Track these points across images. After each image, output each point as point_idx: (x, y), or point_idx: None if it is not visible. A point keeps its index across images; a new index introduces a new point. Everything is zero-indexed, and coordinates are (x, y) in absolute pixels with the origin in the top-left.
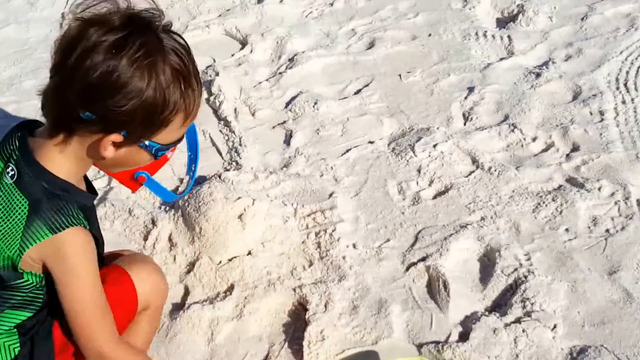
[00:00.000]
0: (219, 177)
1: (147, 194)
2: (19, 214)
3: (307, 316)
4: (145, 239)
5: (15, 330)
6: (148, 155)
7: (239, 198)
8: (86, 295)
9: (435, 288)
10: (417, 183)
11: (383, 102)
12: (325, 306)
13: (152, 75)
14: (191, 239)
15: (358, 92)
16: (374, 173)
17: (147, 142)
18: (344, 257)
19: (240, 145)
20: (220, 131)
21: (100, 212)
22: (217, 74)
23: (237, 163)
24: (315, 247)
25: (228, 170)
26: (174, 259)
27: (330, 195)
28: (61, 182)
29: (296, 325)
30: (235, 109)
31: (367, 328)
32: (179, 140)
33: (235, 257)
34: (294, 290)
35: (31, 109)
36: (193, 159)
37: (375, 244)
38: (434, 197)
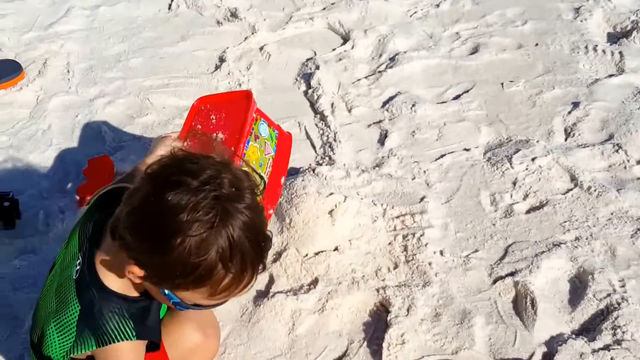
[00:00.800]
0: (313, 170)
1: None
2: (72, 316)
3: (388, 318)
4: None
5: None
6: (168, 302)
7: (332, 194)
8: None
9: (522, 305)
10: (511, 196)
11: (482, 110)
12: (408, 310)
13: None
14: (280, 229)
15: (457, 97)
16: (468, 181)
17: (166, 291)
18: (430, 263)
19: (335, 140)
20: (316, 125)
21: None
22: (317, 68)
23: (330, 158)
24: (402, 249)
25: (320, 164)
26: None
27: (422, 199)
28: (109, 293)
29: (376, 325)
30: (332, 104)
31: (448, 337)
32: (204, 307)
33: (322, 252)
34: (377, 290)
35: (136, 86)
36: None
37: (463, 253)
38: (528, 212)
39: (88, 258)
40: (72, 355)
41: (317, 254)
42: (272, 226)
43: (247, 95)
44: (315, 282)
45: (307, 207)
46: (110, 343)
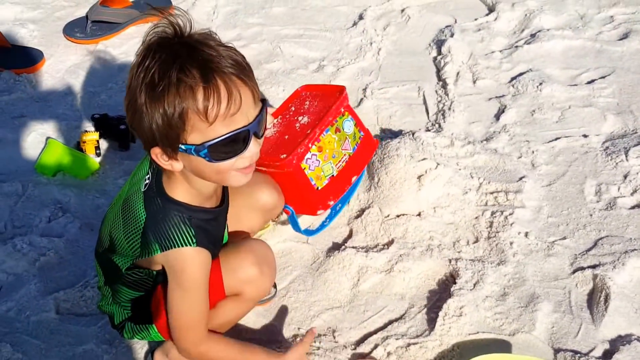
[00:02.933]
0: (412, 134)
1: None
2: (138, 224)
3: (452, 289)
4: None
5: (129, 303)
6: (198, 159)
7: (424, 159)
8: (184, 308)
9: (596, 298)
10: (619, 189)
11: (614, 98)
12: (475, 285)
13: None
14: (368, 187)
15: (591, 82)
16: (576, 168)
17: (183, 147)
18: (511, 243)
19: (450, 109)
20: (436, 91)
21: None
22: (451, 35)
23: (439, 126)
24: (487, 225)
25: (429, 130)
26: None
27: (521, 178)
28: (174, 202)
29: (441, 295)
30: (457, 73)
31: (509, 318)
32: (224, 135)
33: (403, 215)
34: (450, 261)
35: (272, 34)
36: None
37: (549, 239)
38: (631, 208)
39: (157, 173)
40: (137, 260)
41: (398, 216)
42: (362, 183)
43: (340, 90)
44: (390, 243)
45: (396, 169)
46: (172, 248)
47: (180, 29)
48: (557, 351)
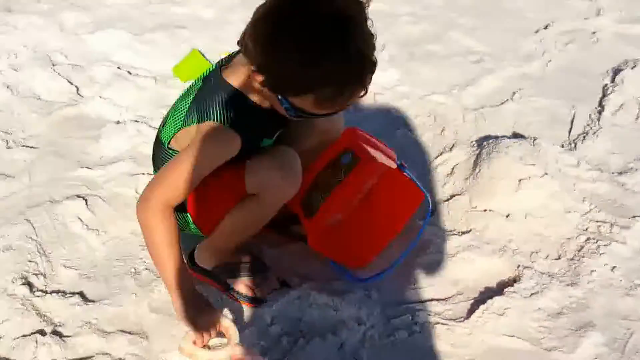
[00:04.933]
0: (534, 140)
1: None
2: (188, 100)
3: (506, 288)
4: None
5: None
6: (281, 106)
7: (532, 164)
8: (177, 169)
9: None
10: None
11: None
12: (532, 294)
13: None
14: (467, 175)
15: None
16: None
17: (279, 96)
18: (592, 271)
19: (594, 134)
20: (589, 115)
21: None
22: (632, 67)
23: (574, 145)
24: (577, 248)
25: (558, 146)
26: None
27: (635, 217)
28: (226, 85)
29: (495, 295)
30: (621, 105)
31: (552, 334)
32: (310, 115)
33: (490, 211)
34: (519, 266)
35: (446, 18)
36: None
37: (637, 281)
38: None
39: (220, 66)
40: (178, 132)
41: (485, 210)
42: (462, 166)
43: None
44: (466, 232)
45: (499, 165)
46: (206, 120)
47: None
48: None
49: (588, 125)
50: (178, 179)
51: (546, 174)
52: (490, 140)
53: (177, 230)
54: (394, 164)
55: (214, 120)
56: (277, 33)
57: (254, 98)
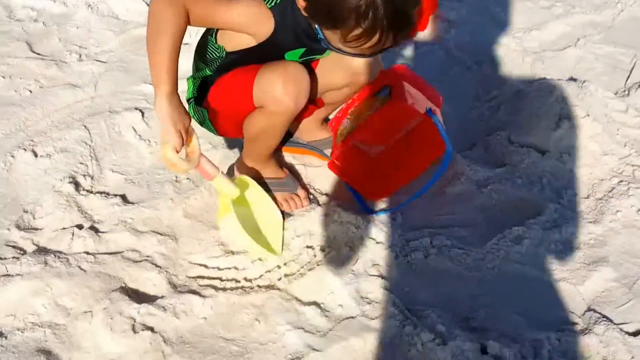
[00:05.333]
0: (582, 83)
1: None
2: None
3: (526, 220)
4: None
5: (199, 80)
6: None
7: (575, 106)
8: None
9: None
10: None
11: None
12: (552, 227)
13: None
14: (508, 111)
15: None
16: None
17: (316, 25)
18: (617, 211)
19: None
20: None
21: None
22: None
23: (627, 93)
24: (607, 189)
25: (611, 92)
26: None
27: None
28: None
29: (517, 226)
30: None
31: (565, 266)
32: (340, 51)
33: (528, 147)
34: (545, 200)
35: None
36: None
37: None
38: None
39: None
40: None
41: (522, 146)
42: (508, 108)
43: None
44: (500, 165)
45: (540, 102)
46: None
47: None
48: (589, 310)
49: None
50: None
51: (588, 115)
52: (541, 81)
53: (181, 31)
54: (423, 109)
55: None
56: None
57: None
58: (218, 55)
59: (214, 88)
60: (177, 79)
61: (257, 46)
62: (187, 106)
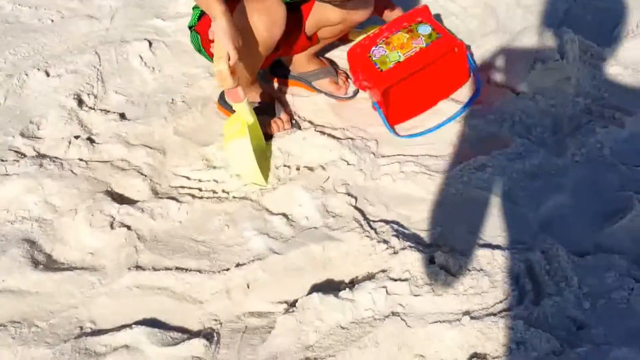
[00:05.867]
0: (558, 28)
1: None
2: None
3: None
4: None
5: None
6: None
7: (549, 49)
8: None
9: None
10: None
11: None
12: (516, 157)
13: None
14: (496, 54)
15: None
16: None
17: None
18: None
19: None
20: None
21: None
22: None
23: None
24: (573, 126)
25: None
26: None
27: None
28: None
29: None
30: None
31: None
32: None
33: (504, 87)
34: (513, 134)
35: None
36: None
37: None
38: None
39: None
40: None
41: (499, 86)
42: (493, 53)
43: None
44: (477, 103)
45: (517, 47)
46: None
47: None
48: (540, 232)
49: (633, 31)
50: None
51: (562, 59)
52: (526, 29)
53: None
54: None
55: None
56: None
57: None
58: None
59: (205, 16)
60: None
61: None
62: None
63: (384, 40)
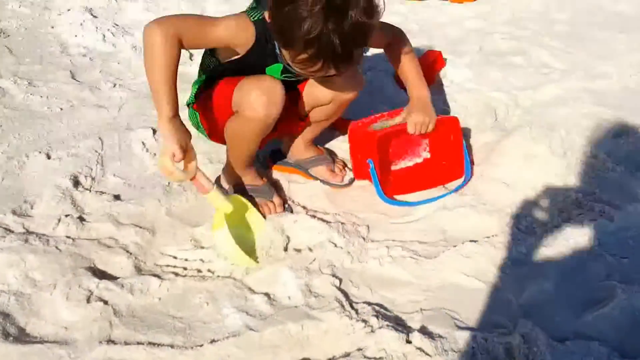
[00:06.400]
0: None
1: None
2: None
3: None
4: None
5: (197, 86)
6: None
7: (542, 144)
8: (194, 16)
9: None
10: None
11: None
12: None
13: (303, 13)
14: (490, 150)
15: None
16: None
17: (275, 42)
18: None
19: None
20: None
21: None
22: None
23: None
24: None
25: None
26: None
27: None
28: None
29: None
30: None
31: None
32: (291, 68)
33: (495, 180)
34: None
35: None
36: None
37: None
38: None
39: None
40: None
41: (491, 179)
42: (488, 148)
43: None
44: (469, 194)
45: (511, 141)
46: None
47: None
48: (522, 317)
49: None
50: (195, 20)
51: (554, 154)
52: (523, 127)
53: (177, 61)
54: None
55: (245, 13)
56: None
57: None
58: (212, 64)
59: (203, 93)
60: (177, 102)
61: (242, 57)
62: (187, 111)
63: (385, 118)
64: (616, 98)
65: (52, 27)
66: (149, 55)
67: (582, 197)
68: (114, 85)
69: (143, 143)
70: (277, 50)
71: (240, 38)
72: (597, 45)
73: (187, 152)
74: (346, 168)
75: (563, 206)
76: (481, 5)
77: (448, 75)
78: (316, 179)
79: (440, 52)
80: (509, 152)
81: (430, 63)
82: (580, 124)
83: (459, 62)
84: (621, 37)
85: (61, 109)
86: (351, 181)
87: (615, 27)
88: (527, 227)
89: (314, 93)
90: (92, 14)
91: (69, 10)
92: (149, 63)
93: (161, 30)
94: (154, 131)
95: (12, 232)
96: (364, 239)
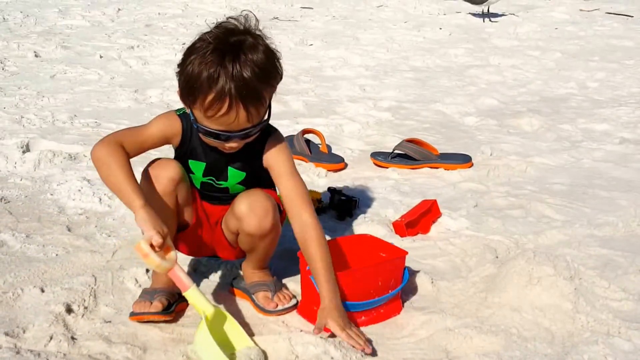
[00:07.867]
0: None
1: None
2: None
3: None
4: None
5: None
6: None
7: (546, 266)
8: (131, 128)
9: None
10: None
11: None
12: None
13: (206, 65)
14: (492, 279)
15: None
16: None
17: (188, 110)
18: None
19: None
20: None
21: None
22: None
23: None
24: None
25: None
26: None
27: None
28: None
29: None
30: None
31: None
32: (209, 132)
33: (499, 303)
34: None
35: None
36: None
37: None
38: None
39: None
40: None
41: (496, 302)
42: (490, 281)
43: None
44: (472, 316)
45: (514, 263)
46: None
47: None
48: None
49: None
50: (129, 128)
51: (558, 275)
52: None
53: (128, 161)
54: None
55: (176, 110)
56: (189, 47)
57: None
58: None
59: None
60: (142, 193)
61: (177, 149)
62: None
63: None
64: (624, 242)
65: (51, 195)
66: (102, 167)
67: (593, 322)
68: (109, 236)
69: (136, 280)
70: (192, 117)
71: (170, 131)
72: (600, 201)
73: (164, 242)
74: (292, 299)
75: (572, 329)
76: (476, 171)
77: (444, 223)
78: (256, 304)
79: (435, 200)
80: (512, 276)
81: (426, 211)
82: (587, 263)
83: (455, 214)
84: (624, 195)
85: (57, 254)
86: (283, 310)
87: (617, 188)
88: (533, 349)
89: (226, 220)
90: (89, 183)
91: (66, 181)
92: (105, 172)
93: (102, 144)
94: (148, 270)
95: (1, 347)
96: (362, 354)
